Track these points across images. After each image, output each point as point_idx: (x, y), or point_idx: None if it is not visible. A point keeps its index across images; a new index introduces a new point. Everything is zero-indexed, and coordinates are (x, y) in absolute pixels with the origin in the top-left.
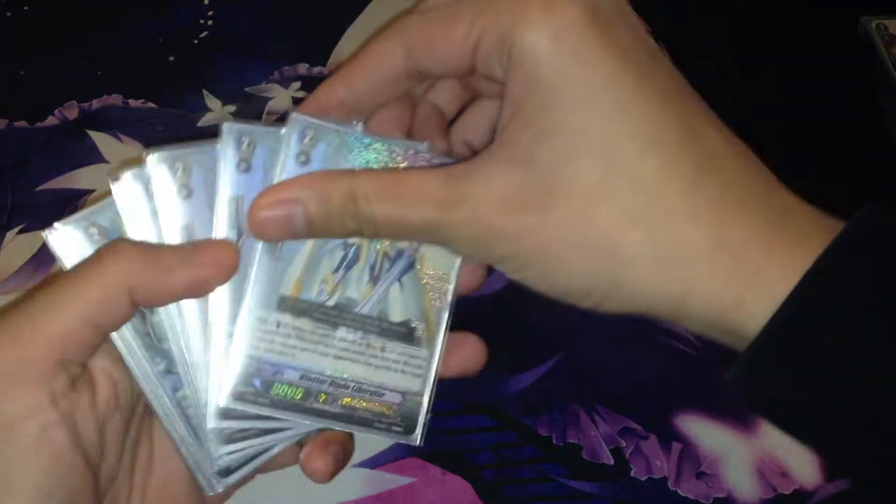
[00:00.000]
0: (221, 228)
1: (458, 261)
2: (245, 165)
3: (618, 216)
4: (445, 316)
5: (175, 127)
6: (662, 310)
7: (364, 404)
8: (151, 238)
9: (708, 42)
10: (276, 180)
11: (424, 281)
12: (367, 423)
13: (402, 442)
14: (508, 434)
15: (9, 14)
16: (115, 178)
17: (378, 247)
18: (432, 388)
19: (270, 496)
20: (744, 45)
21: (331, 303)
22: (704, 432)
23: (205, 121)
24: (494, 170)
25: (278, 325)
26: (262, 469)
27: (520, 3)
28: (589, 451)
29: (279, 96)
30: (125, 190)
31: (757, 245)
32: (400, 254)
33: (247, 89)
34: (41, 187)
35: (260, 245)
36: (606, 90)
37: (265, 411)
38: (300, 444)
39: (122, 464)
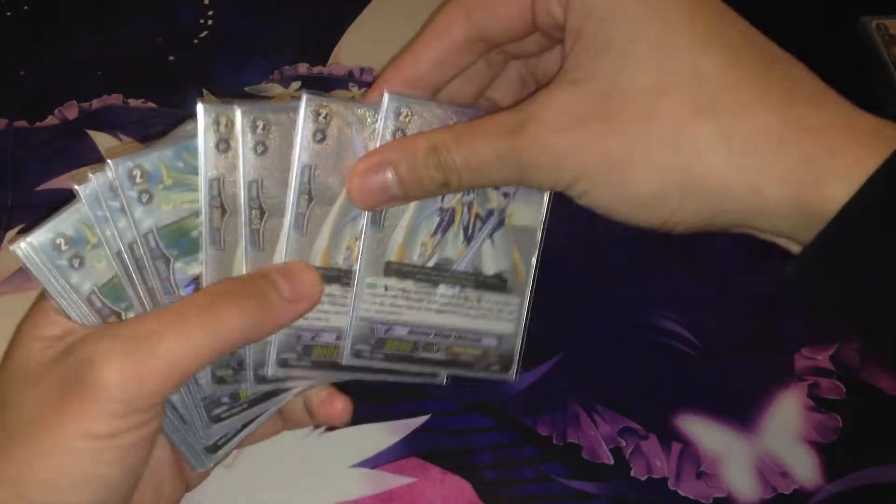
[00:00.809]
0: (294, 194)
1: (542, 212)
2: (321, 136)
3: (682, 108)
4: (533, 263)
5: (175, 127)
6: (739, 206)
7: (465, 350)
8: (121, 239)
9: None
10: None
11: (512, 237)
12: (468, 365)
13: (499, 379)
14: (508, 434)
15: (9, 14)
16: (80, 181)
17: (471, 209)
18: (525, 330)
19: (271, 496)
20: None
21: (430, 263)
22: (704, 432)
23: None
24: (556, 92)
25: (386, 289)
26: (246, 442)
27: None
28: (589, 451)
29: (279, 96)
30: (91, 193)
31: (831, 130)
32: (490, 213)
33: (247, 89)
34: (41, 187)
35: (366, 216)
36: (667, 4)
37: (381, 365)
38: (280, 413)
39: None
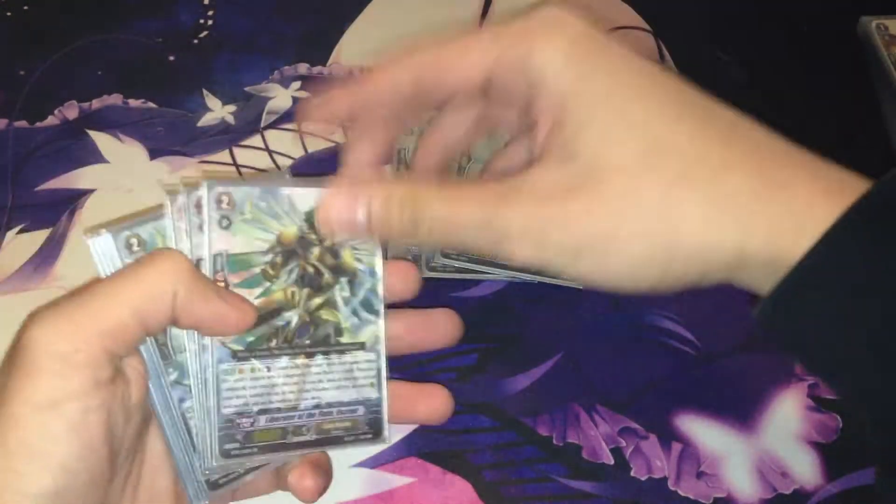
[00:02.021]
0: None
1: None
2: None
3: (664, 179)
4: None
5: (175, 127)
6: (722, 264)
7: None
8: (191, 252)
9: (708, 42)
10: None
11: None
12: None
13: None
14: (508, 434)
15: (9, 14)
16: (171, 194)
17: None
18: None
19: (271, 496)
20: (744, 45)
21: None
22: (704, 432)
23: (205, 121)
24: (542, 169)
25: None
26: (240, 494)
27: (531, 28)
28: (589, 451)
29: (279, 96)
30: (177, 207)
31: (802, 184)
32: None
33: (247, 89)
34: (41, 187)
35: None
36: (630, 79)
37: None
38: (277, 471)
39: (123, 467)
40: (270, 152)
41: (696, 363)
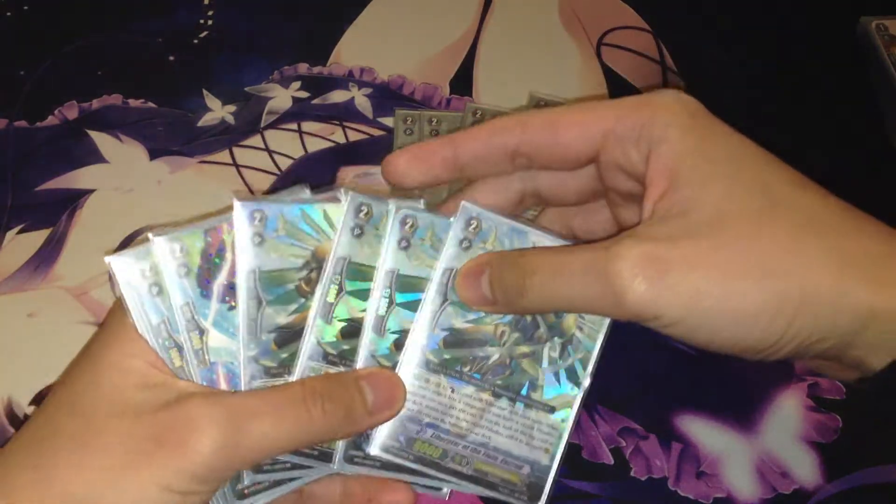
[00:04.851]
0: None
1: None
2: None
3: (791, 229)
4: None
5: (175, 127)
6: (849, 319)
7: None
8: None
9: (707, 42)
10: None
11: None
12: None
13: None
14: None
15: (9, 14)
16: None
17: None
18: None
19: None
20: (743, 45)
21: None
22: (704, 432)
23: (205, 121)
24: (654, 222)
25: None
26: None
27: (652, 99)
28: (589, 451)
29: (279, 96)
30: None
31: None
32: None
33: (247, 89)
34: (41, 187)
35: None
36: (748, 150)
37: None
38: (303, 493)
39: None
40: (270, 152)
41: (696, 363)
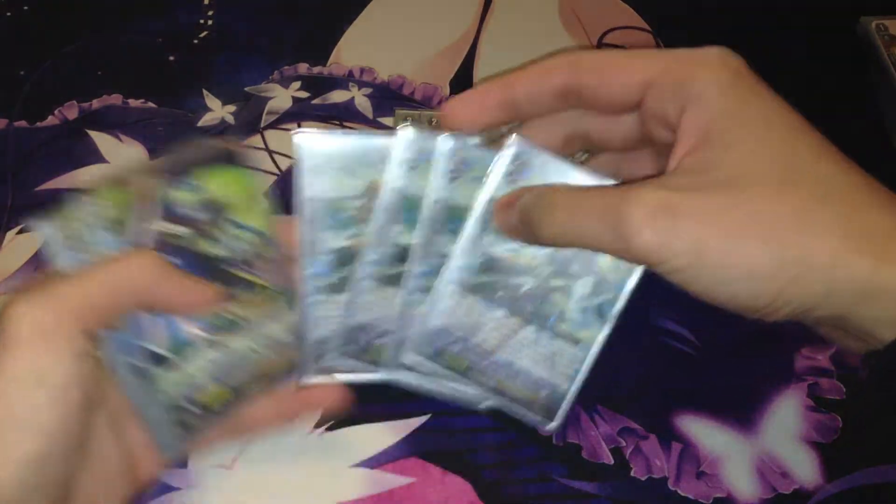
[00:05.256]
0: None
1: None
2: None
3: (805, 196)
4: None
5: (175, 127)
6: (850, 286)
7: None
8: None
9: (707, 41)
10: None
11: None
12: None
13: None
14: (508, 434)
15: (9, 14)
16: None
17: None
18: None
19: (271, 496)
20: (743, 45)
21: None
22: (704, 432)
23: (205, 121)
24: (676, 174)
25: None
26: (236, 434)
27: (698, 55)
28: (589, 451)
29: (279, 96)
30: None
31: None
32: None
33: (247, 89)
34: (41, 187)
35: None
36: (782, 116)
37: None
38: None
39: (95, 429)
40: (270, 152)
41: (696, 363)
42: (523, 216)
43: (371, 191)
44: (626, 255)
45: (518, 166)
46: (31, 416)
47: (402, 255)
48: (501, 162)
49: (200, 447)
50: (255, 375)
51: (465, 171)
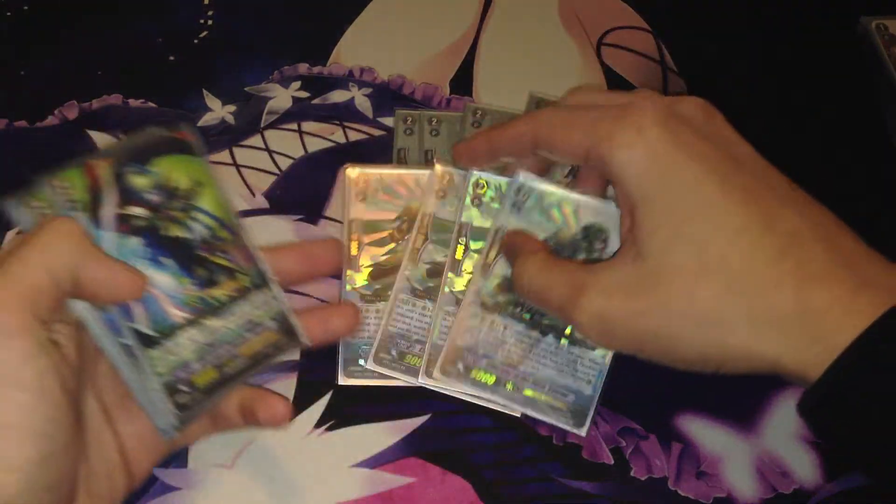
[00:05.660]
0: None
1: None
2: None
3: (716, 290)
4: None
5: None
6: (767, 367)
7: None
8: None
9: (707, 42)
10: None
11: None
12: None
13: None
14: (508, 434)
15: (9, 14)
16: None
17: None
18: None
19: (271, 496)
20: (743, 45)
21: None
22: (704, 432)
23: (205, 121)
24: (618, 263)
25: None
26: (180, 442)
27: (617, 130)
28: (589, 451)
29: (279, 96)
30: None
31: (836, 310)
32: None
33: (247, 89)
34: None
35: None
36: (696, 194)
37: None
38: (211, 414)
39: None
40: (270, 152)
41: None
42: (506, 250)
43: (407, 213)
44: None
45: (522, 197)
46: (20, 420)
47: (436, 271)
48: (508, 193)
49: (198, 435)
50: (238, 356)
51: (486, 198)
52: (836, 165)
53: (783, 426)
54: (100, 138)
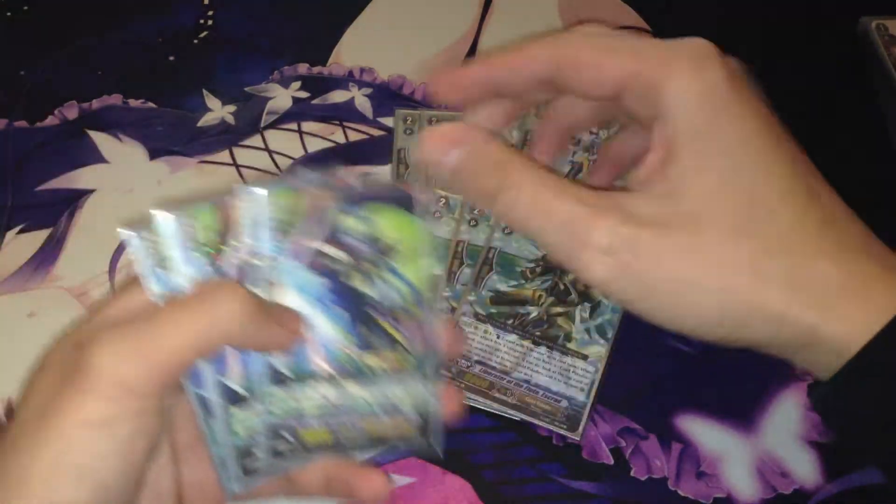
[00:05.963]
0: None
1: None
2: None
3: (761, 245)
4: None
5: (175, 127)
6: (793, 336)
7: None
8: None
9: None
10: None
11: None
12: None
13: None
14: (508, 434)
15: (9, 14)
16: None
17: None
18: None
19: (271, 496)
20: (743, 45)
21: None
22: (704, 432)
23: (205, 121)
24: (645, 198)
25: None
26: (281, 490)
27: (674, 57)
28: (589, 451)
29: (279, 96)
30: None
31: (880, 285)
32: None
33: (247, 89)
34: (41, 187)
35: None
36: (750, 144)
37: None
38: (289, 478)
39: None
40: (270, 152)
41: (696, 363)
42: (471, 175)
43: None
44: (578, 275)
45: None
46: (90, 464)
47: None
48: (493, 219)
49: (266, 494)
50: (360, 430)
51: (482, 219)
52: (835, 165)
53: (783, 426)
54: (100, 138)
